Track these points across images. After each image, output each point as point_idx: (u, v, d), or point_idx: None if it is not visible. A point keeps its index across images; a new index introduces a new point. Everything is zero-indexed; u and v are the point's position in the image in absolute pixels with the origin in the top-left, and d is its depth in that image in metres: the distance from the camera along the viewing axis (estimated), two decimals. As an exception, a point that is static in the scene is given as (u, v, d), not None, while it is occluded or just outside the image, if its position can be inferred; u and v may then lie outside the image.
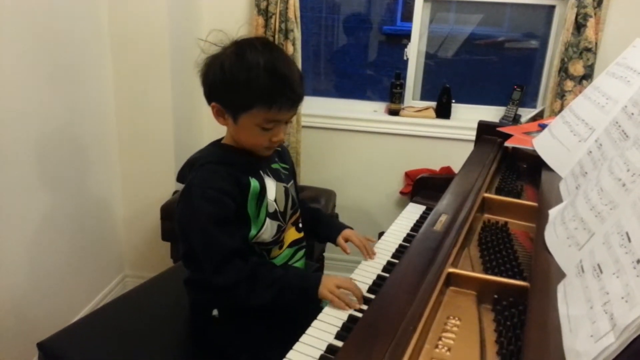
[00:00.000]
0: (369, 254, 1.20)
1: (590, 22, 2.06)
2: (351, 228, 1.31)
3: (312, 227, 1.32)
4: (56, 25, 1.72)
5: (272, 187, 1.14)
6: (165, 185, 2.17)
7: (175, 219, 1.12)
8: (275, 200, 1.14)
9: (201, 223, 1.03)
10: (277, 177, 1.17)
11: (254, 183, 1.09)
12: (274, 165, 1.20)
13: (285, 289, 1.05)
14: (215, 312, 1.16)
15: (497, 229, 1.14)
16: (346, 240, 1.27)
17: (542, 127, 1.55)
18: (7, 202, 1.58)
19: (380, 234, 1.33)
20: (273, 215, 1.13)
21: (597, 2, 2.05)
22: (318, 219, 1.35)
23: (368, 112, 2.52)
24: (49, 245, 1.81)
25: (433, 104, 2.45)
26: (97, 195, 2.09)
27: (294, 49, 2.24)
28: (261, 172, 1.13)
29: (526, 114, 2.34)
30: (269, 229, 1.13)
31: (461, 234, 1.06)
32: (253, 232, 1.11)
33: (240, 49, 1.05)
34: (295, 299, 1.06)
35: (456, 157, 1.82)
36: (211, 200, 1.04)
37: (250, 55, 1.02)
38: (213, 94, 1.07)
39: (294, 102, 1.05)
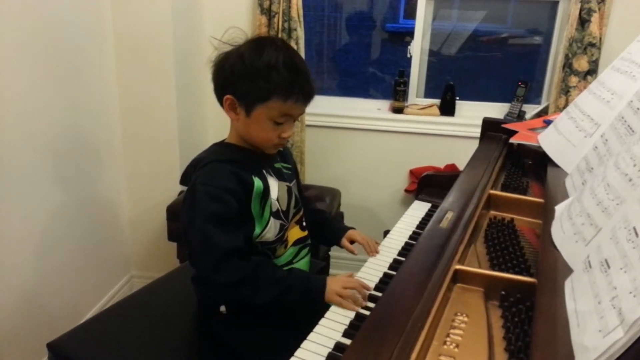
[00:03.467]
0: (372, 251, 1.21)
1: (594, 17, 2.05)
2: (354, 228, 1.32)
3: (317, 232, 1.33)
4: (59, 26, 1.73)
5: (274, 187, 1.15)
6: (171, 186, 2.17)
7: (181, 219, 1.13)
8: (277, 200, 1.14)
9: (201, 220, 1.03)
10: (280, 177, 1.18)
11: (257, 182, 1.09)
12: (277, 165, 1.20)
13: (289, 290, 1.05)
14: (222, 308, 1.16)
15: (503, 226, 1.14)
16: (351, 242, 1.28)
17: (547, 123, 1.55)
18: (13, 204, 1.59)
19: (386, 232, 1.33)
20: (276, 214, 1.14)
21: (601, -3, 2.04)
22: (322, 222, 1.35)
23: (372, 110, 2.52)
24: (55, 247, 1.82)
25: (437, 101, 2.45)
26: (103, 196, 2.10)
27: (297, 48, 2.25)
28: (264, 172, 1.14)
29: (531, 110, 2.33)
30: (272, 228, 1.13)
31: (467, 231, 1.06)
32: (257, 231, 1.11)
33: (260, 43, 1.08)
34: (299, 300, 1.06)
35: (461, 155, 1.82)
36: (213, 198, 1.04)
37: (270, 50, 1.05)
38: (229, 86, 1.07)
39: (308, 97, 1.08)
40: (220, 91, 1.09)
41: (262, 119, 1.07)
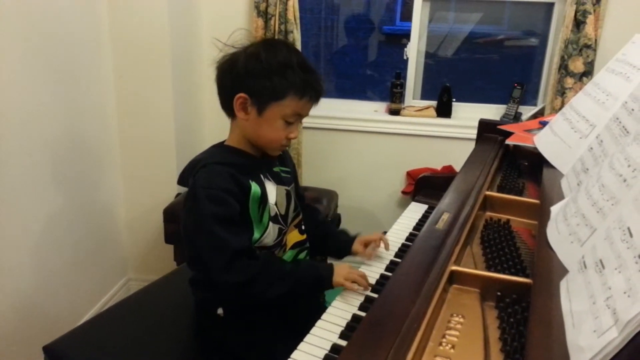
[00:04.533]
0: (386, 244, 1.20)
1: (590, 19, 2.06)
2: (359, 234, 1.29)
3: (323, 244, 1.31)
4: (56, 29, 1.73)
5: (272, 191, 1.14)
6: (168, 188, 2.17)
7: (182, 222, 1.13)
8: (276, 204, 1.14)
9: (206, 224, 1.03)
10: (278, 180, 1.18)
11: (254, 187, 1.09)
12: (275, 169, 1.20)
13: (300, 281, 1.07)
14: (220, 310, 1.16)
15: (499, 227, 1.14)
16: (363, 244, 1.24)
17: (543, 124, 1.55)
18: (10, 207, 1.59)
19: (383, 234, 1.33)
20: (274, 219, 1.14)
21: (596, -1, 2.05)
22: (328, 235, 1.32)
23: (369, 112, 2.52)
24: (52, 250, 1.81)
25: (433, 103, 2.45)
26: (100, 199, 2.10)
27: (294, 50, 2.25)
28: (261, 176, 1.13)
29: (527, 111, 2.34)
30: (271, 233, 1.13)
31: (463, 232, 1.06)
32: (256, 236, 1.11)
33: (272, 44, 1.10)
34: (310, 290, 1.09)
35: (457, 156, 1.82)
36: (216, 200, 1.04)
37: (284, 50, 1.07)
38: (242, 84, 1.06)
39: (319, 96, 1.11)
40: (229, 91, 1.09)
41: (275, 118, 1.07)
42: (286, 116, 1.07)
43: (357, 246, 1.23)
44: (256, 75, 1.05)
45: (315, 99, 1.10)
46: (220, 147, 1.18)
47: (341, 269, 1.08)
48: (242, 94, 1.06)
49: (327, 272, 1.08)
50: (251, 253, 1.07)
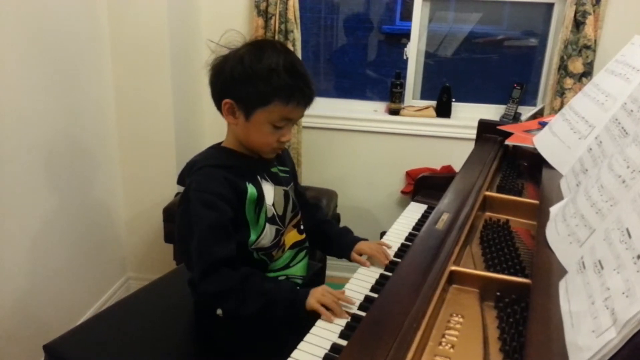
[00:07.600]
0: (383, 261, 1.15)
1: (589, 20, 2.06)
2: (366, 239, 1.25)
3: (324, 244, 1.31)
4: (56, 28, 1.73)
5: (270, 192, 1.14)
6: (167, 188, 2.17)
7: (176, 223, 1.13)
8: (273, 205, 1.14)
9: (197, 228, 1.03)
10: (276, 181, 1.17)
11: (250, 189, 1.09)
12: (273, 169, 1.19)
13: (274, 302, 1.04)
14: (219, 311, 1.16)
15: (498, 227, 1.15)
16: (360, 254, 1.22)
17: (542, 125, 1.55)
18: (10, 207, 1.59)
19: (382, 234, 1.33)
20: (271, 220, 1.13)
21: (596, 0, 2.05)
22: (330, 236, 1.30)
23: (368, 112, 2.52)
24: (52, 249, 1.81)
25: (433, 103, 2.46)
26: (99, 198, 2.10)
27: (294, 49, 2.25)
28: (258, 177, 1.13)
29: (526, 112, 2.34)
30: (268, 234, 1.13)
31: (463, 232, 1.06)
32: (253, 237, 1.11)
33: (260, 47, 1.07)
34: (283, 312, 1.04)
35: (457, 156, 1.83)
36: (208, 205, 1.04)
37: (270, 53, 1.04)
38: (228, 90, 1.06)
39: (309, 101, 1.08)
40: (218, 95, 1.08)
41: (262, 123, 1.06)
42: (274, 121, 1.05)
43: (354, 256, 1.21)
44: (240, 81, 1.04)
45: (303, 104, 1.07)
46: (217, 148, 1.17)
47: (316, 291, 1.01)
48: (228, 100, 1.06)
49: (302, 295, 1.02)
50: (234, 263, 1.04)
